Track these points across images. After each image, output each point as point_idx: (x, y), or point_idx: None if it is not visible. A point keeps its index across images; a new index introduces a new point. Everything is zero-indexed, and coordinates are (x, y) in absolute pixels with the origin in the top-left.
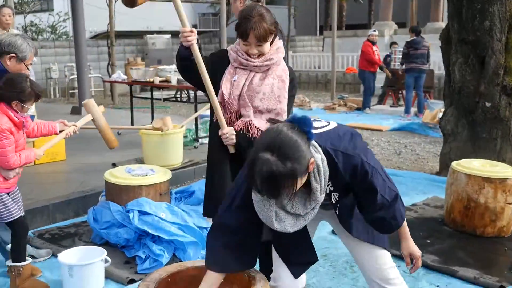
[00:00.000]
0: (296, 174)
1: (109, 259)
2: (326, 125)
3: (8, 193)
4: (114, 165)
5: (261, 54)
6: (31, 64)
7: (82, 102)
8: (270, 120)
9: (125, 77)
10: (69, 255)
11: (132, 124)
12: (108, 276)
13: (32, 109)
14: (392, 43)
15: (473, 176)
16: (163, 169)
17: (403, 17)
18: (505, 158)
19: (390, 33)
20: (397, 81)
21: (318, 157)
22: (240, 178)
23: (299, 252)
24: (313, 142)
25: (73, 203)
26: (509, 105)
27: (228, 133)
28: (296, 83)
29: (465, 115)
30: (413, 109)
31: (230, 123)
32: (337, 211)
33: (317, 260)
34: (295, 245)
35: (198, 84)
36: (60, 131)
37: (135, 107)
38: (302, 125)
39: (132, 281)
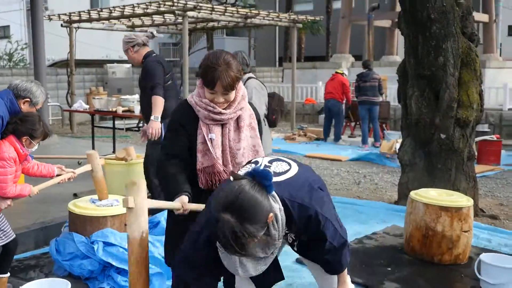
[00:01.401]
0: (255, 235)
1: None
2: (288, 170)
3: None
4: (75, 195)
5: (227, 102)
6: (40, 107)
7: (86, 153)
8: (232, 174)
9: (87, 106)
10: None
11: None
12: None
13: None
14: None
15: (430, 206)
16: None
17: (360, 50)
18: (459, 187)
19: (348, 66)
20: (353, 112)
21: (276, 207)
22: (203, 218)
23: (267, 272)
24: (273, 192)
25: (33, 235)
26: (463, 136)
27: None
28: (261, 124)
29: (421, 146)
30: (371, 139)
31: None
32: (295, 248)
33: (283, 278)
34: None
35: None
36: (57, 175)
37: (95, 136)
38: (263, 180)
39: None
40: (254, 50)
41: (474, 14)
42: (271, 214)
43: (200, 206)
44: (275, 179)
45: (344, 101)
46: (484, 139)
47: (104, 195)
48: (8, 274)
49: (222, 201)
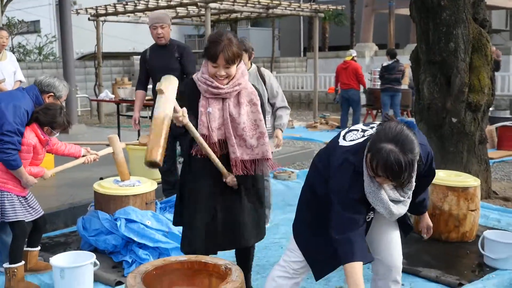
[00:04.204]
0: (414, 165)
1: (98, 262)
2: None
3: (24, 197)
4: (101, 179)
5: (228, 76)
6: (64, 100)
7: (108, 137)
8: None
9: (113, 96)
10: (61, 259)
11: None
12: (97, 279)
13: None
14: None
15: (437, 185)
16: (149, 181)
17: (383, 39)
18: (471, 170)
19: (371, 54)
20: (376, 100)
21: None
22: (346, 182)
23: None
24: None
25: (63, 215)
26: (474, 120)
27: (231, 181)
28: (263, 100)
29: (433, 130)
30: None
31: (215, 151)
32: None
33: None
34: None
35: None
36: (83, 156)
37: (121, 125)
38: (412, 126)
39: (119, 283)
40: (278, 41)
41: (502, 0)
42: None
43: (219, 164)
44: None
45: (361, 89)
46: (504, 125)
47: (125, 176)
48: (39, 247)
49: (386, 134)
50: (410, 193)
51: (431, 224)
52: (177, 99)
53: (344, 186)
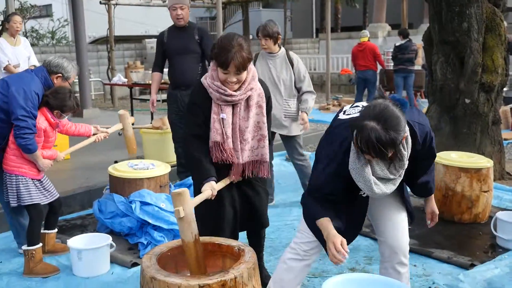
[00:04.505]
0: (396, 143)
1: (114, 244)
2: None
3: (39, 180)
4: (116, 162)
5: (238, 82)
6: (73, 81)
7: (118, 113)
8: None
9: (125, 80)
10: (78, 241)
11: (132, 125)
12: (113, 260)
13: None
14: None
15: (450, 167)
16: (163, 164)
17: (397, 19)
18: (485, 151)
19: (384, 35)
20: (389, 81)
21: (407, 129)
22: (331, 152)
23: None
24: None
25: (79, 198)
26: (487, 101)
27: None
28: (270, 101)
29: (447, 111)
30: None
31: (231, 157)
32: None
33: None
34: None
35: None
36: (94, 134)
37: (135, 109)
38: (402, 104)
39: (135, 264)
40: (290, 22)
41: None
42: (406, 134)
43: (225, 182)
44: None
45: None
46: None
47: (132, 150)
48: (56, 230)
49: (370, 111)
50: (402, 171)
51: (436, 211)
52: (188, 108)
53: (325, 158)
